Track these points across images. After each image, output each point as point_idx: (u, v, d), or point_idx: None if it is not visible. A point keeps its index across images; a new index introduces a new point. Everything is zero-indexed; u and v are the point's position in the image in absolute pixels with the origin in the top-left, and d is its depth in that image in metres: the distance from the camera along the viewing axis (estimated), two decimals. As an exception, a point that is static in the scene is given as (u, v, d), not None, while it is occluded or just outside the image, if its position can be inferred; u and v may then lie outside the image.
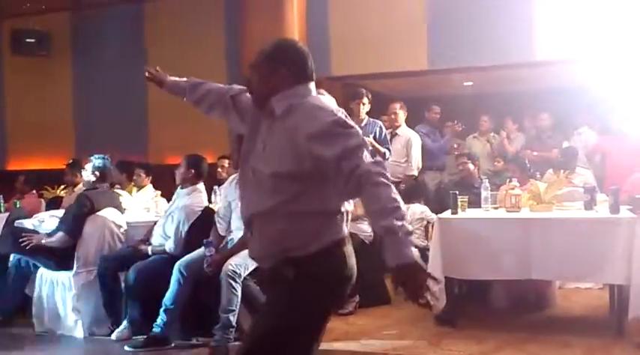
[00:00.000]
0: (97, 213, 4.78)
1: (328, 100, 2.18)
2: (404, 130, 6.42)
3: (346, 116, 2.12)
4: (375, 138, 5.77)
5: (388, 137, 6.01)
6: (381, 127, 5.88)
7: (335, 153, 1.98)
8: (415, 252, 1.94)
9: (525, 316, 4.76)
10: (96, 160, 4.91)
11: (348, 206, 2.16)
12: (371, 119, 5.90)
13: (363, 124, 5.80)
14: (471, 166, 5.94)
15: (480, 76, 8.40)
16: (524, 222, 4.48)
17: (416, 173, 6.38)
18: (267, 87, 2.16)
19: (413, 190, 5.94)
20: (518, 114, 7.71)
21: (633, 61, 6.83)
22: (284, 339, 2.05)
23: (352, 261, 2.15)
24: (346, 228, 2.16)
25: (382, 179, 1.97)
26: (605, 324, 4.41)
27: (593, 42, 6.78)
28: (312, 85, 2.18)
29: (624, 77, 7.17)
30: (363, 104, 5.82)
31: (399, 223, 1.92)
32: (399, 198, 1.97)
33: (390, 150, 5.92)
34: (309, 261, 2.07)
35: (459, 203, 4.75)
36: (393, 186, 2.00)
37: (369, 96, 5.87)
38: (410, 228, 1.98)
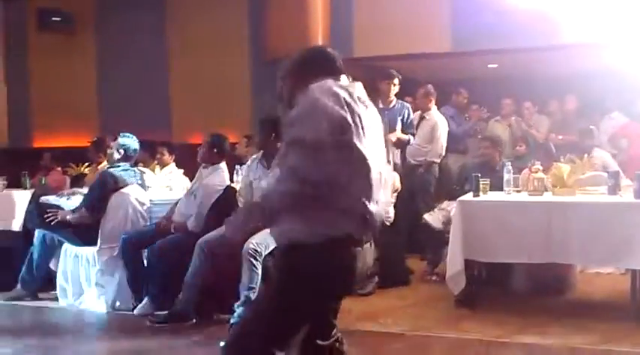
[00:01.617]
0: (121, 190, 4.84)
1: (326, 84, 2.13)
2: (432, 114, 6.38)
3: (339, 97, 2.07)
4: (402, 120, 5.75)
5: (415, 121, 6.00)
6: (409, 110, 5.84)
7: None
8: None
9: (545, 300, 4.73)
10: (122, 138, 4.97)
11: (372, 206, 2.11)
12: (399, 101, 5.87)
13: (391, 106, 5.78)
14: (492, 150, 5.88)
15: (505, 58, 8.30)
16: (546, 206, 4.45)
17: (437, 160, 6.33)
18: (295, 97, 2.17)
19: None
20: (543, 98, 7.62)
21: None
22: (272, 323, 2.09)
23: (350, 262, 2.13)
24: (359, 228, 2.12)
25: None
26: (626, 310, 4.37)
27: (620, 25, 6.65)
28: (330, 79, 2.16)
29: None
30: (394, 85, 5.78)
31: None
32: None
33: (414, 135, 5.89)
34: (309, 252, 2.07)
35: (481, 185, 4.73)
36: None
37: (400, 77, 5.82)
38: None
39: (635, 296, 4.43)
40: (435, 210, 5.50)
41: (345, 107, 2.05)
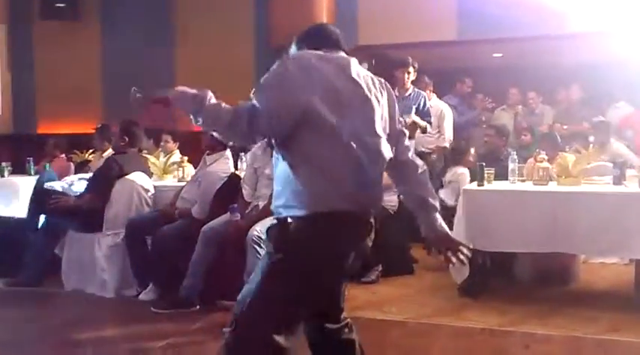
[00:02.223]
0: (126, 177, 4.85)
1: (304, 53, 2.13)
2: (436, 102, 6.38)
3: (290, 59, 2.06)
4: (417, 109, 5.72)
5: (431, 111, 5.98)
6: (425, 98, 5.82)
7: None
8: None
9: (549, 290, 4.74)
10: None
11: (360, 181, 2.06)
12: (416, 89, 5.84)
13: (407, 94, 5.76)
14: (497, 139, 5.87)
15: (510, 47, 8.25)
16: (551, 196, 4.44)
17: (447, 145, 6.36)
18: None
19: (457, 154, 5.79)
20: (548, 88, 7.59)
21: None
22: (263, 305, 2.03)
23: (335, 239, 2.05)
24: (347, 205, 2.04)
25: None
26: (630, 300, 4.38)
27: (626, 14, 6.61)
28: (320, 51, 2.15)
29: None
30: (408, 73, 5.75)
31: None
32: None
33: (431, 124, 5.87)
34: (294, 227, 2.04)
35: (485, 175, 4.72)
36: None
37: (415, 65, 5.78)
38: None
39: (639, 287, 4.43)
40: (446, 184, 5.52)
41: (314, 75, 2.02)
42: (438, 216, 2.26)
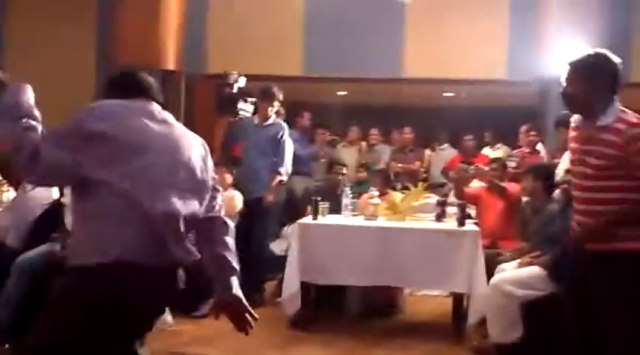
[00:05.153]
0: None
1: None
2: None
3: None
4: (278, 139, 5.68)
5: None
6: (284, 131, 5.77)
7: None
8: None
9: (375, 321, 4.91)
10: None
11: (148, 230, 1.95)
12: (277, 120, 5.81)
13: (269, 122, 5.69)
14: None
15: (353, 86, 8.62)
16: (379, 230, 4.64)
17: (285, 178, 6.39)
18: None
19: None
20: (386, 127, 8.00)
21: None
22: None
23: (122, 293, 1.92)
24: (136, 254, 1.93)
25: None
26: (448, 330, 4.63)
27: (459, 63, 7.18)
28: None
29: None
30: (272, 105, 5.72)
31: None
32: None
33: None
34: (74, 275, 1.94)
35: (320, 209, 4.84)
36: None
37: (280, 96, 5.77)
38: None
39: (456, 317, 4.71)
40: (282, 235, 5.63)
41: (106, 126, 1.93)
42: (235, 279, 2.23)
